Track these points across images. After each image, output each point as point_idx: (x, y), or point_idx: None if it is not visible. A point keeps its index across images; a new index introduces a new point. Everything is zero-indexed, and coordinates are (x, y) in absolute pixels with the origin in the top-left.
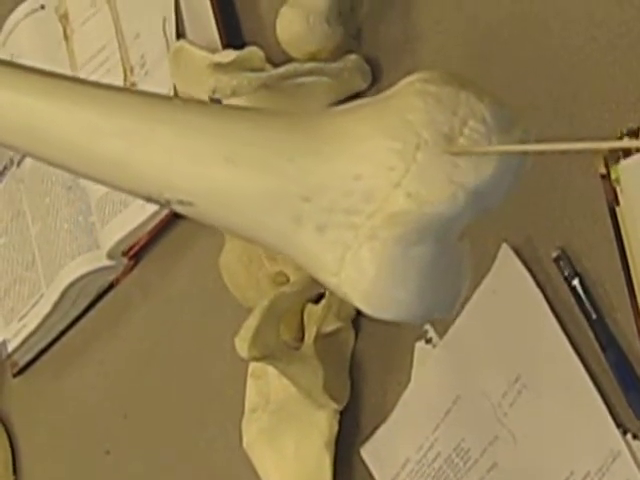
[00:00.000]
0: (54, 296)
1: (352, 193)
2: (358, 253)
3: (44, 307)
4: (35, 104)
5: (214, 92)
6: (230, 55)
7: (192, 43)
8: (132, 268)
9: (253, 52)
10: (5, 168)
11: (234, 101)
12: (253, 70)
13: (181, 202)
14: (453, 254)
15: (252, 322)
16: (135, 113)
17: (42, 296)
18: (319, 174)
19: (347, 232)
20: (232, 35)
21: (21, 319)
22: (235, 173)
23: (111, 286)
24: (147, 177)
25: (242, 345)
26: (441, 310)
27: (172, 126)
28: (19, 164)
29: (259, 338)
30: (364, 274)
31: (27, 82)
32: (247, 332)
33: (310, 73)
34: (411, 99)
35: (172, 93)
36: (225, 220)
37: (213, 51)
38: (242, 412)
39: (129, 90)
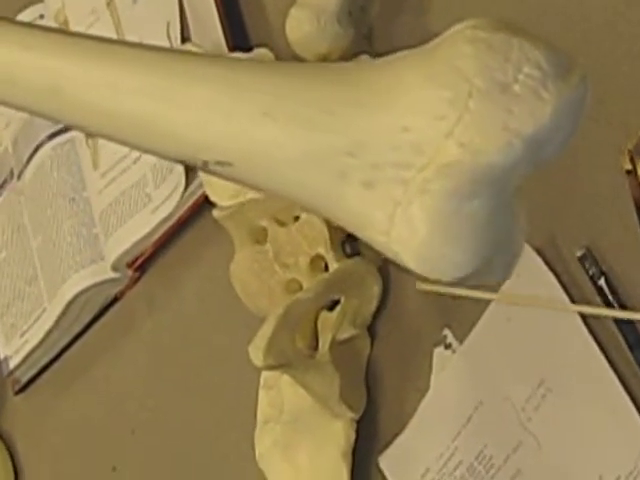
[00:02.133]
0: (57, 310)
1: (400, 146)
2: (409, 209)
3: (46, 322)
4: (56, 63)
5: None
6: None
7: (198, 46)
8: (137, 280)
9: (263, 54)
10: (5, 181)
11: None
12: None
13: (220, 163)
14: (508, 211)
15: (267, 330)
16: (166, 70)
17: (44, 311)
18: (364, 127)
19: (396, 187)
20: (238, 37)
21: (23, 335)
22: (274, 129)
23: (115, 299)
24: (181, 138)
25: (257, 353)
26: (497, 271)
27: (206, 82)
28: (19, 176)
29: (274, 346)
30: (416, 232)
31: (45, 41)
32: (262, 340)
33: None
34: (460, 46)
35: None
36: (266, 180)
37: (219, 54)
38: (254, 424)
39: (158, 47)
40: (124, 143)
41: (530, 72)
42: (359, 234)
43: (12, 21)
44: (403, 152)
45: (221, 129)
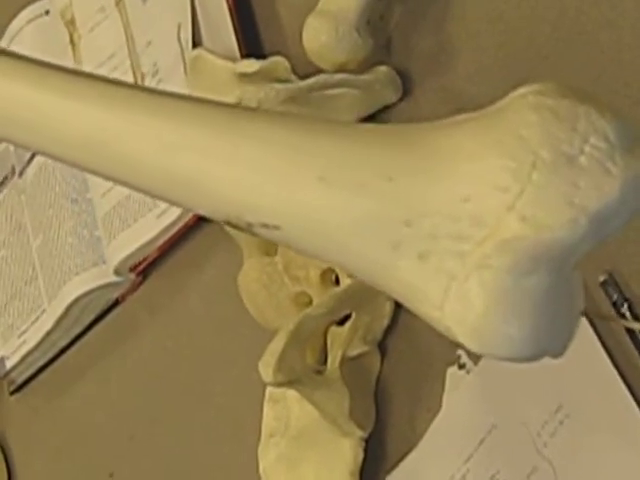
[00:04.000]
0: (57, 312)
1: (459, 217)
2: (465, 284)
3: (45, 323)
4: (99, 115)
5: (239, 103)
6: (253, 65)
7: (211, 51)
8: (139, 285)
9: (278, 62)
10: (5, 178)
11: None
12: (278, 81)
13: (265, 226)
14: (567, 285)
15: (277, 346)
16: (214, 126)
17: (44, 312)
18: (422, 195)
19: (453, 260)
20: (251, 44)
21: (20, 335)
22: (328, 194)
23: (116, 303)
24: (226, 197)
25: (267, 370)
26: (554, 348)
27: (256, 140)
28: (21, 174)
29: (284, 362)
30: (471, 307)
31: (89, 90)
32: (272, 356)
33: (340, 85)
34: (525, 113)
35: None
36: (315, 245)
37: (231, 60)
38: (258, 437)
39: (206, 100)
40: (167, 199)
41: (597, 144)
42: (410, 306)
43: (46, 64)
44: (462, 224)
45: (271, 191)
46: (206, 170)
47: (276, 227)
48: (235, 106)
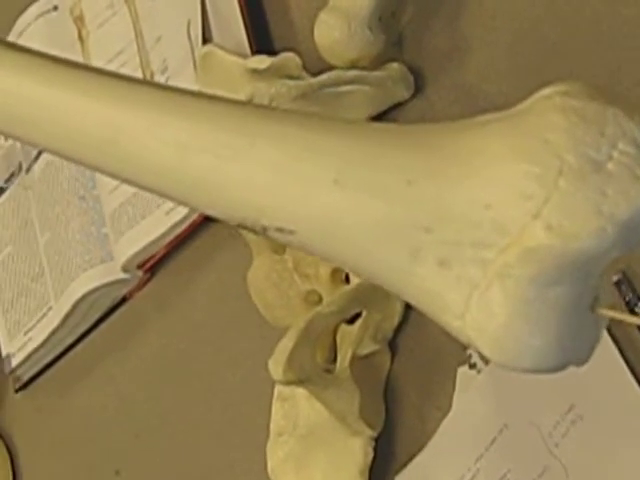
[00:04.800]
0: (64, 309)
1: (481, 223)
2: (487, 293)
3: (52, 320)
4: (111, 113)
5: (251, 100)
6: (264, 61)
7: (221, 47)
8: (147, 282)
9: (289, 58)
10: (12, 175)
11: None
12: (289, 77)
13: (281, 230)
14: (592, 294)
15: (287, 344)
16: (228, 125)
17: (50, 309)
18: (442, 200)
19: (474, 268)
20: (261, 40)
21: (27, 332)
22: (345, 198)
23: (124, 300)
24: (241, 200)
25: (277, 368)
26: (578, 358)
27: (272, 141)
28: (28, 170)
29: (294, 361)
30: (494, 317)
31: (100, 87)
32: (282, 355)
33: (351, 81)
34: (550, 116)
35: None
36: (330, 250)
37: (242, 57)
38: (266, 436)
39: (220, 98)
40: (178, 201)
41: (625, 149)
42: (430, 314)
43: (57, 59)
44: (484, 230)
45: (286, 194)
46: (220, 172)
47: (291, 231)
48: (250, 105)
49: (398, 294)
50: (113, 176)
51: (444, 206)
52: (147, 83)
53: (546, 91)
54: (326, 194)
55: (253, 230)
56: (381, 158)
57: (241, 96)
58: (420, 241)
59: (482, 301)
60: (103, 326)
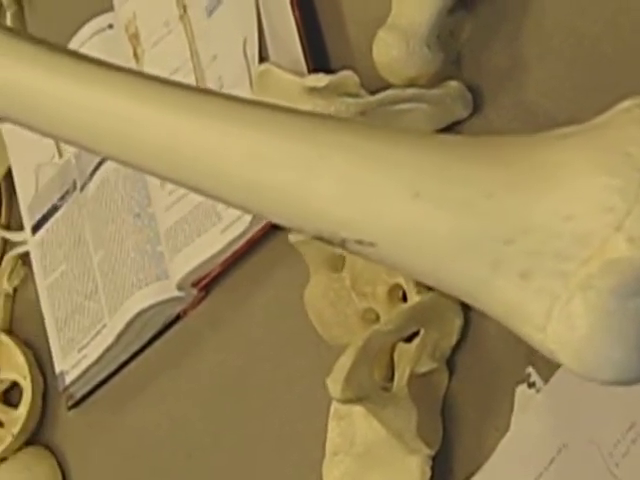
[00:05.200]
0: (118, 327)
1: (562, 235)
2: (569, 305)
3: (106, 338)
4: (182, 124)
5: None
6: (322, 79)
7: (278, 65)
8: (202, 300)
9: (347, 77)
10: (67, 192)
11: None
12: (347, 95)
13: (360, 242)
14: None
15: (345, 362)
16: (305, 137)
17: (104, 326)
18: (523, 213)
19: (556, 280)
20: (318, 58)
21: (80, 350)
22: (425, 211)
23: (178, 318)
24: (320, 213)
25: (335, 386)
26: None
27: (350, 153)
28: (82, 188)
29: (353, 379)
30: (575, 329)
31: (169, 97)
32: (340, 373)
33: (410, 99)
34: (630, 129)
35: None
36: (410, 263)
37: (299, 75)
38: (322, 455)
39: (296, 111)
40: (255, 212)
41: None
42: (510, 327)
43: (125, 70)
44: (565, 242)
45: (365, 207)
46: (298, 184)
47: (371, 244)
48: (324, 116)
49: (478, 306)
50: (186, 187)
51: (525, 218)
52: (215, 94)
53: (625, 104)
54: (406, 207)
55: (332, 242)
56: (460, 171)
57: None
58: (501, 253)
59: (563, 313)
60: (157, 344)
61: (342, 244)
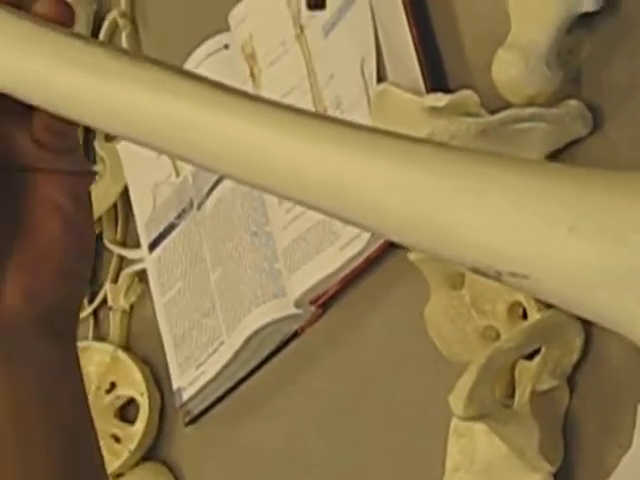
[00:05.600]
0: (236, 344)
1: None
2: None
3: (224, 355)
4: (338, 158)
5: (431, 137)
6: (442, 99)
7: (397, 85)
8: (319, 317)
9: (467, 96)
10: (184, 211)
11: None
12: (466, 114)
13: (514, 275)
14: None
15: (468, 380)
16: (459, 171)
17: (222, 344)
18: None
19: None
20: (436, 77)
21: (198, 367)
22: (580, 246)
23: (295, 335)
24: (476, 246)
25: (458, 404)
26: None
27: (503, 187)
28: (199, 207)
29: (475, 397)
30: None
31: (312, 128)
32: (463, 390)
33: (530, 119)
34: None
35: None
36: (565, 296)
37: (417, 94)
38: (442, 472)
39: (439, 144)
40: (408, 243)
41: None
42: None
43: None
44: None
45: (519, 240)
46: (454, 217)
47: (525, 276)
48: (465, 150)
49: (631, 338)
50: (338, 218)
51: None
52: (367, 129)
53: None
54: (561, 241)
55: (486, 274)
56: (613, 206)
57: (420, 133)
58: None
59: None
60: (274, 361)
61: (497, 276)
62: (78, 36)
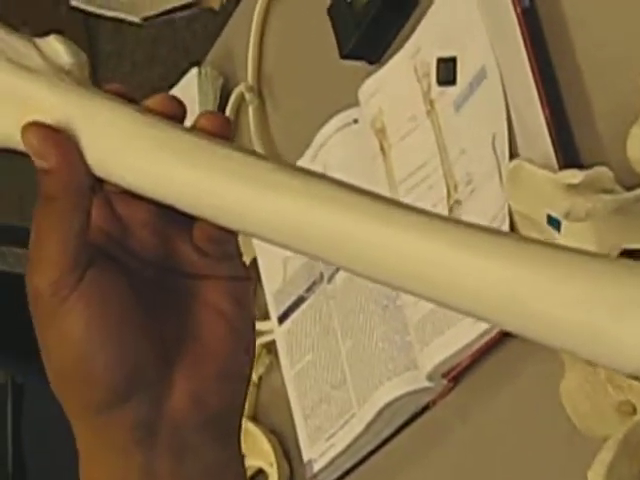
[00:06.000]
0: (368, 416)
1: None
2: None
3: (356, 427)
4: (515, 273)
5: (567, 215)
6: (577, 175)
7: (530, 161)
8: (450, 390)
9: (602, 172)
10: (314, 283)
11: (582, 226)
12: (601, 191)
13: None
14: None
15: (606, 456)
16: (623, 283)
17: (353, 416)
18: None
19: None
20: (568, 154)
21: (329, 439)
22: None
23: (426, 408)
24: (635, 356)
25: None
26: None
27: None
28: (330, 280)
29: (614, 472)
30: None
31: (490, 244)
32: (602, 466)
33: None
34: None
35: (506, 213)
36: None
37: (550, 170)
38: None
39: (597, 254)
40: (572, 352)
41: None
42: None
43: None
44: None
45: None
46: (617, 327)
47: None
48: (618, 260)
49: None
50: (510, 329)
51: None
52: (530, 240)
53: None
54: None
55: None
56: None
57: (556, 211)
58: None
59: None
60: (405, 433)
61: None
62: (239, 149)
